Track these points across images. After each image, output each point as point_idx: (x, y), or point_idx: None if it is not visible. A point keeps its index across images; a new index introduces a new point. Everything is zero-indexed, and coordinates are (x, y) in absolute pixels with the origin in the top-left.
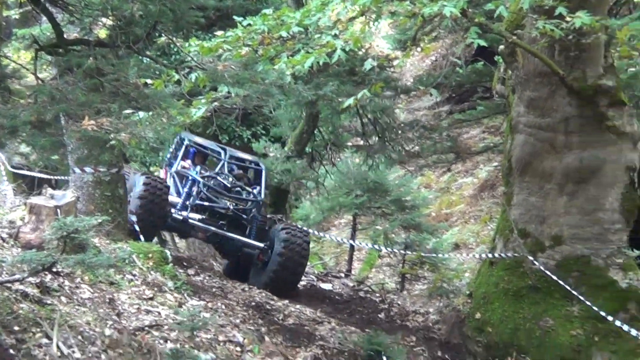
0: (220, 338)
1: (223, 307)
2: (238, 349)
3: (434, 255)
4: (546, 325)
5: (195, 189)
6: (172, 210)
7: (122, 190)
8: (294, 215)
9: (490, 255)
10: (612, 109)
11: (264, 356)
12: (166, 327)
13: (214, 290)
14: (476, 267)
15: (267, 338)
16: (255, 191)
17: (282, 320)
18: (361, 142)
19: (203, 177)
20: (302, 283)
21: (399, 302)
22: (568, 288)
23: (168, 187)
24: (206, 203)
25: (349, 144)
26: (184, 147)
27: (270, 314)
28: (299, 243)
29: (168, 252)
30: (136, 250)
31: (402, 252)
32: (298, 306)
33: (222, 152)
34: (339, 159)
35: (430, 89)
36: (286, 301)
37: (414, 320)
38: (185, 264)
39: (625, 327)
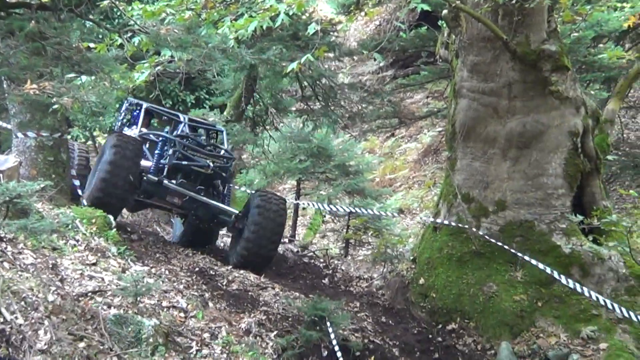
0: (164, 304)
1: (167, 272)
2: (182, 314)
3: (377, 213)
4: (490, 291)
5: (168, 149)
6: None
7: (65, 155)
8: (238, 181)
9: (433, 220)
10: (555, 74)
11: (207, 322)
12: (109, 292)
13: (157, 255)
14: (420, 233)
15: (210, 304)
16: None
17: (225, 286)
18: (303, 106)
19: (177, 136)
20: None
21: (343, 268)
22: (513, 251)
23: (142, 146)
24: (184, 162)
25: (293, 108)
26: (143, 112)
27: (214, 279)
28: (275, 210)
29: (111, 217)
30: (79, 216)
31: (349, 209)
32: (242, 272)
33: (180, 116)
34: (282, 124)
35: (374, 54)
36: (229, 267)
37: (358, 286)
38: (128, 229)
39: (572, 285)
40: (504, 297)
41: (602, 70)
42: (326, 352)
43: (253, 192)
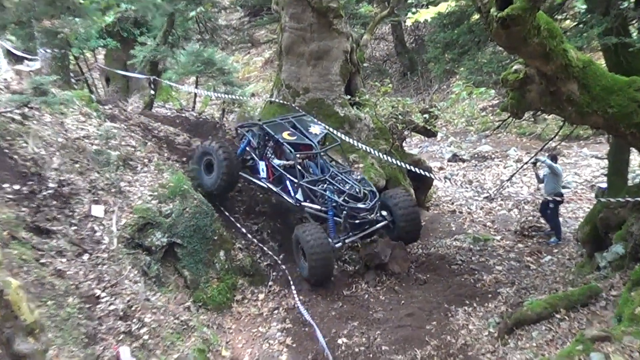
0: (123, 143)
1: (123, 126)
2: (132, 149)
3: (237, 97)
4: None
5: (336, 210)
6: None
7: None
8: (164, 76)
9: (270, 98)
10: (335, 19)
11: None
12: (92, 137)
13: (122, 117)
14: (263, 105)
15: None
16: (370, 188)
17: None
18: (199, 37)
19: (344, 200)
20: (167, 113)
21: (225, 124)
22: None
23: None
24: (350, 222)
25: (194, 38)
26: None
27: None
28: (414, 216)
29: (93, 96)
30: (75, 95)
31: (222, 95)
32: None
33: (312, 145)
34: (187, 46)
35: (237, 6)
36: (159, 123)
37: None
38: (102, 103)
39: (345, 137)
40: None
41: (360, 17)
42: None
43: (390, 196)
